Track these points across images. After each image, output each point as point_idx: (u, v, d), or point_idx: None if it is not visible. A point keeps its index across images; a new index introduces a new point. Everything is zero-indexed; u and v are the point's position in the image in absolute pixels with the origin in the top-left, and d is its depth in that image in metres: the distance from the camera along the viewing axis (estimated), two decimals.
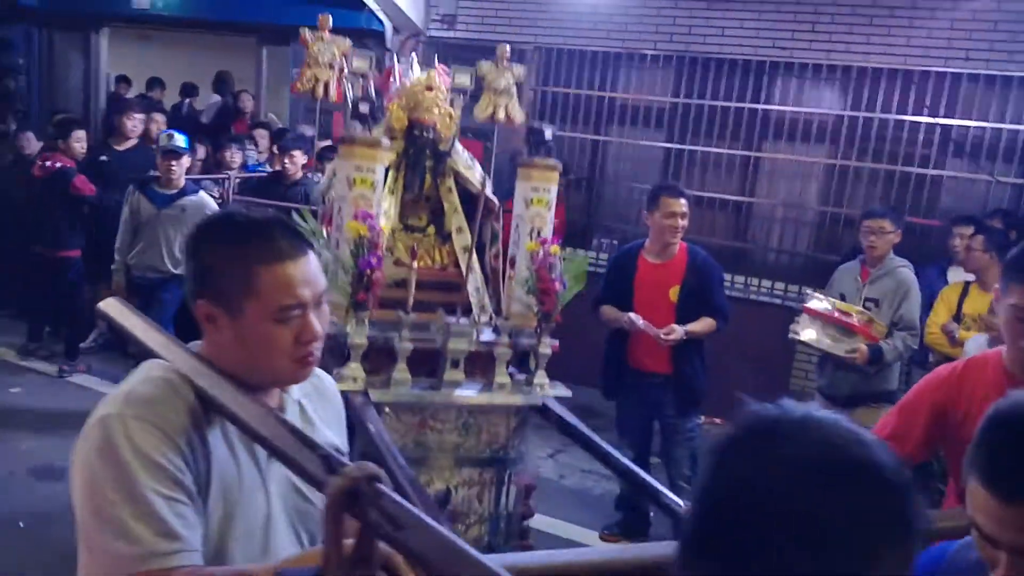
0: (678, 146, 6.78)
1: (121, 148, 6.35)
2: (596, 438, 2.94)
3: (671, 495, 2.70)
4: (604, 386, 4.28)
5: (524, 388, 3.08)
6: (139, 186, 5.26)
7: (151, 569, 1.15)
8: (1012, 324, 1.94)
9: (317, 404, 1.53)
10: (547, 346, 3.11)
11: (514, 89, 3.59)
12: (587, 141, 7.16)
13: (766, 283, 6.43)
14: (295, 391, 1.47)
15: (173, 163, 5.08)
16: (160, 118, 6.03)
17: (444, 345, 2.94)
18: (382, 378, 2.93)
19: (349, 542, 1.04)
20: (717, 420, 5.41)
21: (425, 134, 3.22)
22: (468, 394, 2.99)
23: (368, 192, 3.01)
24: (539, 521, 3.59)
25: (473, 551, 1.05)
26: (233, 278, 1.28)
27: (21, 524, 3.80)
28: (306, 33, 3.47)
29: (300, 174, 6.00)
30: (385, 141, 3.09)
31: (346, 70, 3.40)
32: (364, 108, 3.10)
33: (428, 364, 3.00)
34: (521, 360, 3.21)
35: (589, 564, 1.53)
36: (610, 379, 4.23)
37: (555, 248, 3.06)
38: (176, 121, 7.82)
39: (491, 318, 3.23)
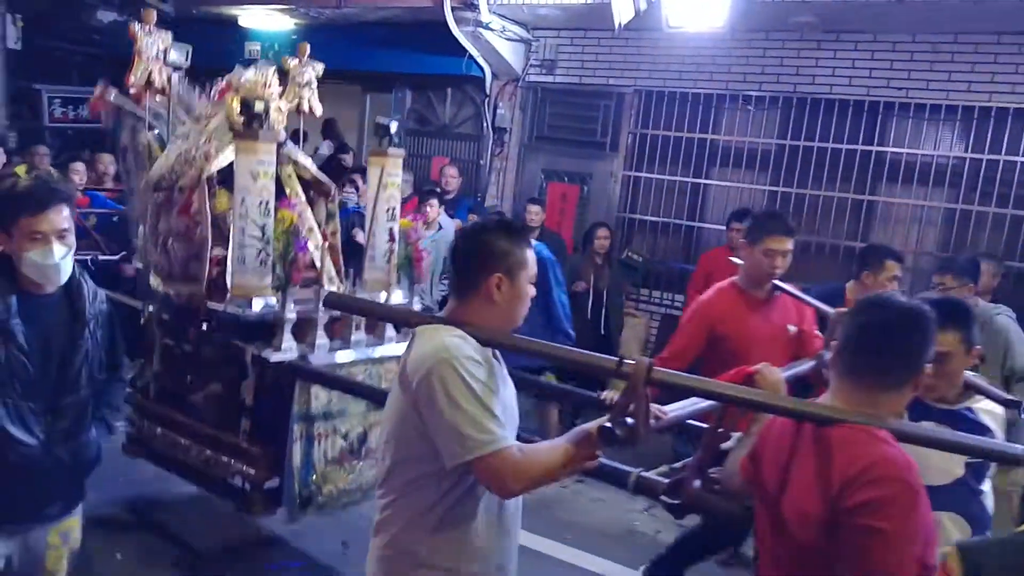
0: (784, 189, 6.54)
1: None
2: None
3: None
4: None
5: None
6: None
7: (494, 449, 1.77)
8: (761, 260, 3.39)
9: None
10: (419, 303, 3.92)
11: (315, 83, 4.03)
12: (687, 184, 7.00)
13: None
14: None
15: None
16: None
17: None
18: (301, 346, 3.40)
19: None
20: None
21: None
22: (386, 348, 3.58)
23: (270, 183, 3.39)
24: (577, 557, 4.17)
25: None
26: (515, 255, 1.97)
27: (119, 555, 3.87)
28: (135, 27, 3.76)
29: None
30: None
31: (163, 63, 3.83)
32: (259, 107, 3.42)
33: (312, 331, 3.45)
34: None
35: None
36: None
37: (422, 224, 3.55)
38: None
39: (340, 287, 3.76)
